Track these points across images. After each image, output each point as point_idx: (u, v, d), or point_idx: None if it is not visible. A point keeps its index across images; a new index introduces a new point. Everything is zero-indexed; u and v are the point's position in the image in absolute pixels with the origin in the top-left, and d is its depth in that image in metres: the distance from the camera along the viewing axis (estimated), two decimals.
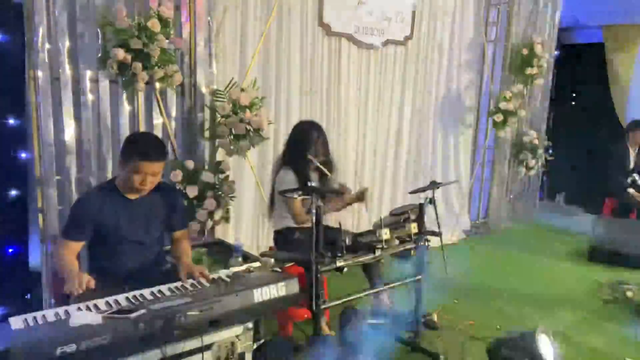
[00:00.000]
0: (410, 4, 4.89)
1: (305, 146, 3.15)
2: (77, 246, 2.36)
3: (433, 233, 2.94)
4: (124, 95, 3.25)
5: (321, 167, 3.12)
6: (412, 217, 2.91)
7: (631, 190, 5.31)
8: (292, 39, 4.14)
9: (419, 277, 2.93)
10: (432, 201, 2.93)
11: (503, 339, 2.74)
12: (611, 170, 5.45)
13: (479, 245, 5.40)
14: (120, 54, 2.95)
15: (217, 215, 3.47)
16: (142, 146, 2.34)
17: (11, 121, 3.00)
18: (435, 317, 3.33)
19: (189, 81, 3.52)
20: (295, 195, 2.61)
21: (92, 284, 2.06)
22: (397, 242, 2.82)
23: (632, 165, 5.45)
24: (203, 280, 2.26)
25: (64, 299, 2.41)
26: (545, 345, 2.60)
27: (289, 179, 3.11)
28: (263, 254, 2.93)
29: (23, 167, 3.06)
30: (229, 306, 2.06)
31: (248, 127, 3.49)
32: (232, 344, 2.12)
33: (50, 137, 2.99)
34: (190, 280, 2.27)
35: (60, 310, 1.92)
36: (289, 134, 3.33)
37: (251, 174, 4.03)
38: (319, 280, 2.40)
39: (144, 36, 3.00)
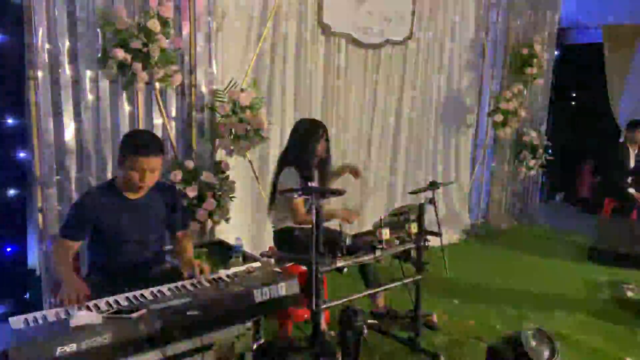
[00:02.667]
0: (410, 4, 4.89)
1: (308, 144, 3.15)
2: (74, 245, 2.35)
3: (433, 233, 2.93)
4: (124, 95, 3.25)
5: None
6: (412, 217, 2.91)
7: (631, 190, 5.32)
8: (292, 39, 4.14)
9: (419, 277, 2.93)
10: (432, 201, 2.93)
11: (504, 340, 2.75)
12: (611, 170, 5.45)
13: (479, 245, 5.40)
14: (120, 54, 2.95)
15: (217, 215, 3.47)
16: (137, 141, 2.34)
17: (10, 121, 3.00)
18: (435, 317, 3.33)
19: (189, 81, 3.52)
20: (296, 195, 2.61)
21: (88, 295, 2.05)
22: (397, 242, 2.82)
23: (632, 164, 5.45)
24: (202, 278, 2.26)
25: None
26: (535, 344, 2.61)
27: (293, 177, 3.11)
28: (263, 254, 2.92)
29: (22, 167, 3.06)
30: (229, 306, 2.06)
31: (248, 127, 3.49)
32: (232, 344, 2.12)
33: (50, 137, 2.99)
34: (190, 280, 2.27)
35: (60, 310, 1.92)
36: (290, 132, 3.32)
37: (251, 174, 4.03)
38: (319, 280, 2.40)
39: (143, 36, 3.00)
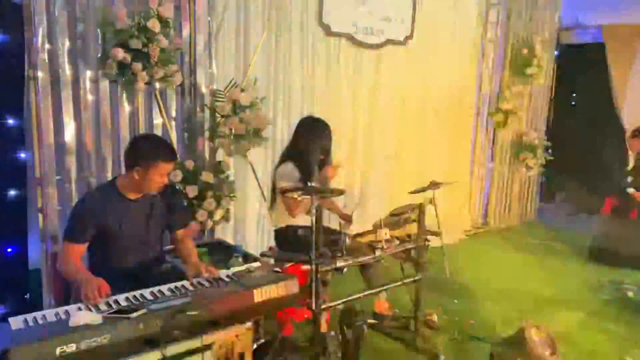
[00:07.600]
0: (410, 4, 4.89)
1: (312, 142, 3.13)
2: (81, 248, 2.35)
3: (433, 233, 2.93)
4: (124, 95, 3.25)
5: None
6: (412, 217, 2.91)
7: (631, 190, 5.31)
8: (292, 39, 4.14)
9: (418, 277, 2.92)
10: (432, 201, 2.93)
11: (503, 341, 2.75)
12: (611, 170, 5.44)
13: (479, 245, 5.40)
14: (120, 54, 2.95)
15: (217, 215, 3.47)
16: (160, 148, 2.38)
17: (10, 121, 2.99)
18: (435, 317, 3.33)
19: (189, 81, 3.53)
20: (296, 195, 2.60)
21: (109, 290, 2.07)
22: (397, 242, 2.82)
23: (631, 165, 5.44)
24: (203, 280, 2.26)
25: (64, 299, 2.41)
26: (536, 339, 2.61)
27: (289, 172, 3.09)
28: (263, 254, 2.92)
29: (21, 167, 3.05)
30: (229, 306, 2.06)
31: (248, 127, 3.49)
32: (232, 344, 2.12)
33: (50, 137, 2.99)
34: (190, 280, 2.26)
35: (60, 310, 1.93)
36: (295, 129, 3.29)
37: (251, 174, 4.03)
38: (319, 280, 2.40)
39: (143, 36, 3.00)
